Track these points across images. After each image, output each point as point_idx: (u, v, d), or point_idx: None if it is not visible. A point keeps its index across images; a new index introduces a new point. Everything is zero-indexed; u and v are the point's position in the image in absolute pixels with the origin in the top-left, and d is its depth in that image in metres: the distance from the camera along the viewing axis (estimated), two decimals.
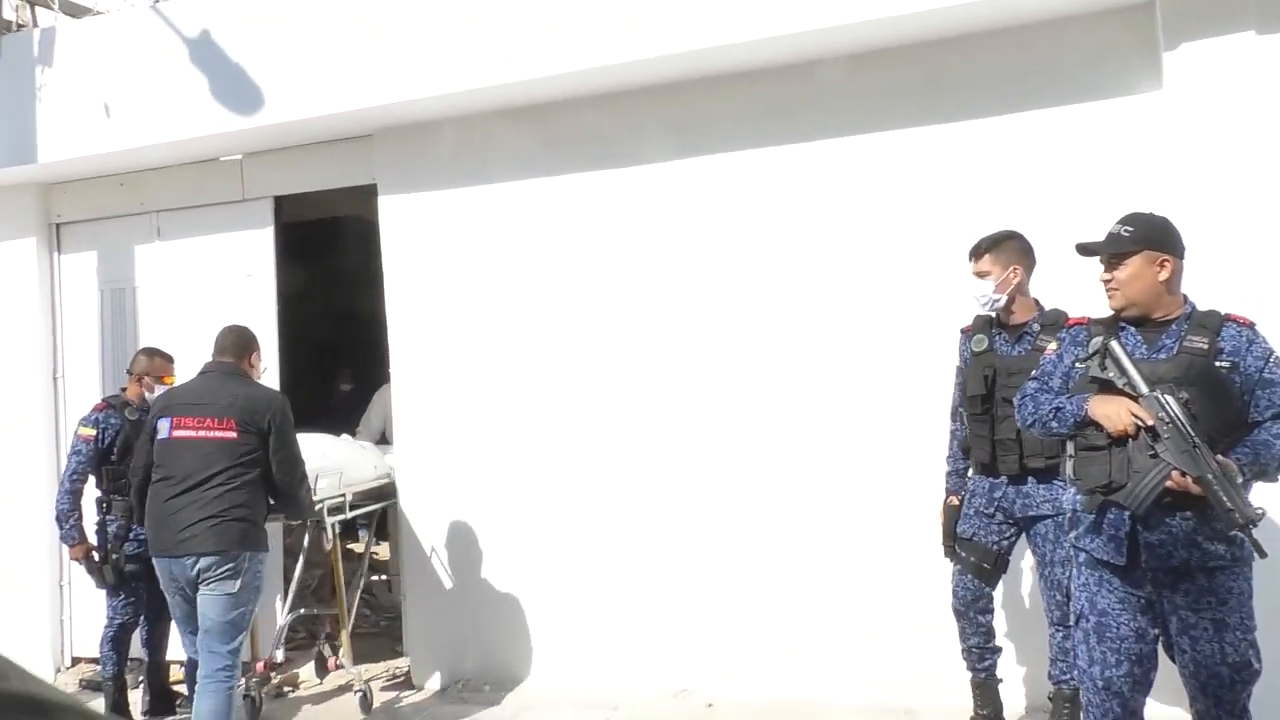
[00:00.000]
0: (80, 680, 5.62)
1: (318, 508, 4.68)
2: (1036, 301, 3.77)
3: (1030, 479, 3.63)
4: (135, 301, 5.90)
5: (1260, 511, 2.61)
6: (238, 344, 4.26)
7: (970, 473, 3.84)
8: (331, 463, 4.95)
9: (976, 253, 3.74)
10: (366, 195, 5.39)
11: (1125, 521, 2.82)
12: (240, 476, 3.94)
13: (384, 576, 6.35)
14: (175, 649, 4.98)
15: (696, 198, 4.76)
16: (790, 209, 4.61)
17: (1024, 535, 3.73)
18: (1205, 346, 2.82)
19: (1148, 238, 2.89)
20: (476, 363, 5.12)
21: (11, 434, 5.90)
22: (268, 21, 5.05)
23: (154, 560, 4.04)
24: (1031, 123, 4.27)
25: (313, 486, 4.50)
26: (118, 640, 4.87)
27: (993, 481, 3.72)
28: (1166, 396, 2.71)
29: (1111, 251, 2.92)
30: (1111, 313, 2.99)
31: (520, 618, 5.03)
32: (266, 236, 5.62)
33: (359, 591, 5.48)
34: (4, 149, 5.54)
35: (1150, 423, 2.71)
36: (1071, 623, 3.02)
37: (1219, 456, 2.67)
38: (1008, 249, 3.72)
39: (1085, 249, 2.99)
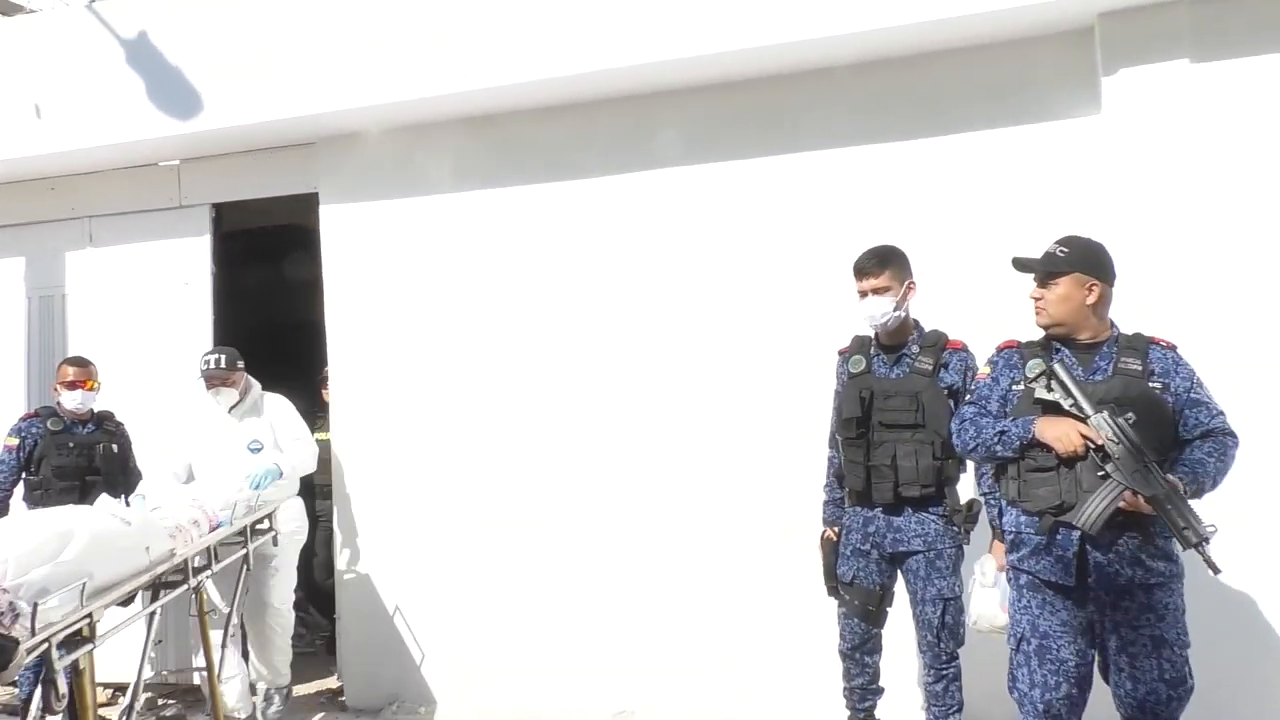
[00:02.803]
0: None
1: (40, 649, 2.67)
2: (916, 321, 3.62)
3: (906, 509, 3.47)
4: (65, 309, 5.73)
5: (1212, 529, 2.65)
6: None
7: (846, 504, 3.67)
8: (67, 565, 2.88)
9: (873, 267, 3.50)
10: (309, 204, 5.29)
11: (1074, 542, 2.82)
12: None
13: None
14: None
15: (639, 212, 4.73)
16: (729, 225, 4.60)
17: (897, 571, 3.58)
18: (1140, 368, 2.87)
19: (1081, 261, 2.93)
20: (415, 375, 5.03)
21: None
22: (207, 24, 4.95)
23: None
24: (970, 144, 4.31)
25: (28, 611, 2.61)
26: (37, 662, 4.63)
27: (866, 515, 3.55)
28: (1115, 418, 2.73)
29: (1046, 270, 2.95)
30: (1040, 335, 3.02)
31: (458, 638, 4.93)
32: (204, 244, 5.50)
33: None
34: None
35: (1100, 443, 2.73)
36: (1011, 645, 2.99)
37: (1168, 475, 2.71)
38: (901, 262, 3.53)
39: (1021, 264, 3.02)
